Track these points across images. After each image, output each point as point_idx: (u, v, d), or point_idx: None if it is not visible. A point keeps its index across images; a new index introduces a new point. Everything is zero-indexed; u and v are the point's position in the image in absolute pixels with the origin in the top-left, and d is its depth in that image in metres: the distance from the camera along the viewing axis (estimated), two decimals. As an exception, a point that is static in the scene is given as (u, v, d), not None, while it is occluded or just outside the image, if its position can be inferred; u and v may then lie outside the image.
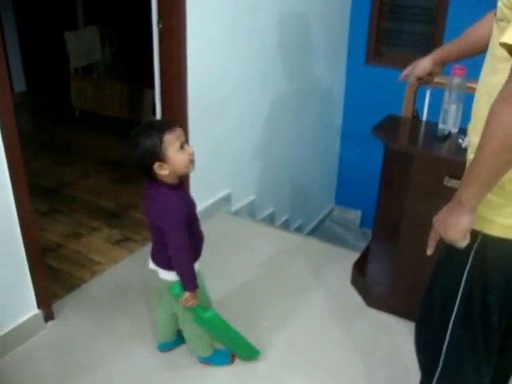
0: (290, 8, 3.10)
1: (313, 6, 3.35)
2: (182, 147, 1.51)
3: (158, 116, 2.60)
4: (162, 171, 1.51)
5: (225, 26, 2.64)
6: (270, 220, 3.45)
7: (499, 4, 1.01)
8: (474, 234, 1.13)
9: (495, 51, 1.03)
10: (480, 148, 0.99)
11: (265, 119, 3.16)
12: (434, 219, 1.14)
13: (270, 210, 3.46)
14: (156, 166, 1.49)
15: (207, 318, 1.72)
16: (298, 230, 3.91)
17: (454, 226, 1.07)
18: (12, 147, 1.75)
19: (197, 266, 1.69)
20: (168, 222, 1.54)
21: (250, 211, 3.23)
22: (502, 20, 1.00)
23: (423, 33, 3.79)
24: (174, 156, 1.49)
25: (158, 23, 2.38)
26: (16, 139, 1.76)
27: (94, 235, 2.74)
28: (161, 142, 1.47)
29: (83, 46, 4.50)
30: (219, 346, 1.89)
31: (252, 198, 3.24)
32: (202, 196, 2.82)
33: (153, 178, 1.55)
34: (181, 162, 1.51)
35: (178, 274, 1.61)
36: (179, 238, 1.55)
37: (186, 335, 1.85)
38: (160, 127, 1.50)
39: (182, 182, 1.62)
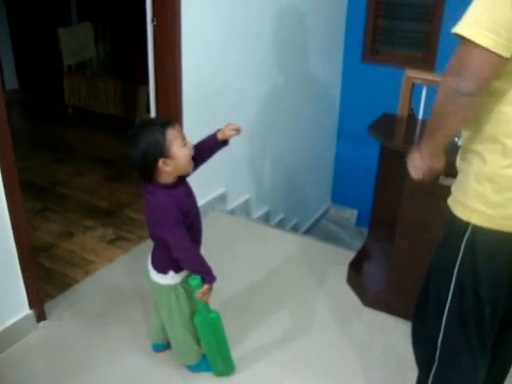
0: (286, 5, 3.09)
1: (309, 3, 3.34)
2: (184, 143, 1.49)
3: (153, 113, 2.57)
4: (167, 167, 1.46)
5: (220, 23, 2.62)
6: (266, 219, 3.44)
7: None
8: (464, 225, 1.17)
9: None
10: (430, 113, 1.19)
11: (260, 117, 3.14)
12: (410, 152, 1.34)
13: (265, 209, 3.45)
14: (160, 162, 1.45)
15: (211, 318, 1.69)
16: (294, 228, 3.90)
17: (411, 162, 1.31)
18: (4, 145, 1.73)
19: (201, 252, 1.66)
20: (162, 224, 1.51)
21: (246, 210, 3.22)
22: None
23: (419, 31, 3.79)
24: (178, 151, 1.46)
25: (153, 20, 2.36)
26: (8, 137, 1.74)
27: (87, 234, 2.71)
28: (164, 137, 1.44)
29: (77, 42, 4.46)
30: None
31: (247, 196, 3.23)
32: (197, 194, 2.76)
33: (151, 178, 1.50)
34: (184, 157, 1.49)
35: (192, 272, 1.58)
36: (177, 239, 1.51)
37: (172, 341, 1.80)
38: (161, 123, 1.47)
39: (182, 180, 1.57)
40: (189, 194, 1.61)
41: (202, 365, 1.82)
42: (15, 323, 1.92)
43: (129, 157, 1.47)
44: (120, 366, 1.86)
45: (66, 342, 1.97)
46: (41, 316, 2.03)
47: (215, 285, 1.60)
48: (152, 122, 1.49)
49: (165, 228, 1.51)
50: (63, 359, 1.89)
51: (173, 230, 1.50)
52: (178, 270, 1.63)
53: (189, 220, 1.56)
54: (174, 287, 1.65)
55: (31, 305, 1.97)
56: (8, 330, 1.90)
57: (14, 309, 1.92)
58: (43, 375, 1.83)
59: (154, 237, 1.62)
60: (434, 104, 1.13)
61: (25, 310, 1.96)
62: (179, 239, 1.52)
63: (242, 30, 2.78)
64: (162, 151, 1.44)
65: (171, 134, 1.46)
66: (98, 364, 1.87)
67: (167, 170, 1.47)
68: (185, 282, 1.67)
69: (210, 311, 1.68)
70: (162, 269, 1.63)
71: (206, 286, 1.57)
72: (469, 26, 1.01)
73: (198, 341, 1.77)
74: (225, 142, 1.69)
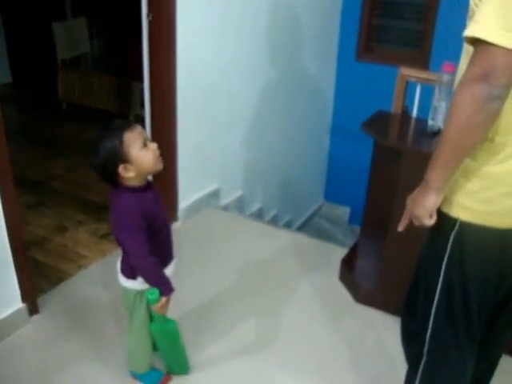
0: (281, 2, 3.09)
1: (304, 1, 3.34)
2: (145, 145, 1.43)
3: (147, 109, 2.57)
4: (128, 173, 1.42)
5: (215, 19, 2.62)
6: (259, 215, 3.45)
7: (470, 2, 1.08)
8: (452, 221, 1.18)
9: (469, 47, 1.07)
10: (443, 131, 1.08)
11: (254, 114, 3.15)
12: (408, 197, 1.22)
13: (258, 205, 3.46)
14: (121, 168, 1.41)
15: (168, 328, 1.65)
16: (287, 225, 3.92)
17: (420, 205, 1.16)
18: (-3, 138, 1.72)
19: (170, 269, 1.62)
20: (123, 228, 1.46)
21: (239, 206, 3.23)
22: (472, 17, 1.05)
23: (414, 29, 3.82)
24: (137, 155, 1.41)
25: (148, 15, 2.36)
26: (1, 131, 1.73)
27: (80, 229, 2.71)
28: (121, 142, 1.39)
29: (71, 37, 4.45)
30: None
31: (241, 192, 3.24)
32: (191, 190, 2.81)
33: (118, 183, 1.46)
34: (146, 160, 1.43)
35: (149, 283, 1.52)
36: (135, 246, 1.47)
37: (129, 346, 1.75)
38: (118, 127, 1.42)
39: (150, 184, 1.52)
40: (157, 202, 1.54)
41: (146, 377, 1.78)
42: (8, 316, 1.92)
43: (91, 165, 1.43)
44: (113, 359, 1.86)
45: (59, 336, 1.97)
46: (33, 309, 2.03)
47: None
48: (111, 126, 1.42)
49: (125, 232, 1.46)
50: (55, 353, 1.89)
51: (132, 235, 1.45)
52: None
53: (153, 230, 1.50)
54: (140, 292, 1.60)
55: (24, 298, 1.97)
56: (0, 323, 1.89)
57: (7, 302, 1.92)
58: (35, 368, 1.83)
59: (119, 242, 1.55)
60: (456, 121, 1.04)
61: (17, 304, 1.96)
62: (137, 246, 1.46)
63: (236, 27, 2.79)
64: (120, 156, 1.39)
65: (129, 137, 1.40)
66: (90, 358, 1.87)
67: (130, 176, 1.43)
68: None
69: (166, 321, 1.64)
70: (130, 274, 1.57)
71: (163, 299, 1.52)
72: (487, 29, 0.97)
73: (150, 351, 1.74)
74: None
